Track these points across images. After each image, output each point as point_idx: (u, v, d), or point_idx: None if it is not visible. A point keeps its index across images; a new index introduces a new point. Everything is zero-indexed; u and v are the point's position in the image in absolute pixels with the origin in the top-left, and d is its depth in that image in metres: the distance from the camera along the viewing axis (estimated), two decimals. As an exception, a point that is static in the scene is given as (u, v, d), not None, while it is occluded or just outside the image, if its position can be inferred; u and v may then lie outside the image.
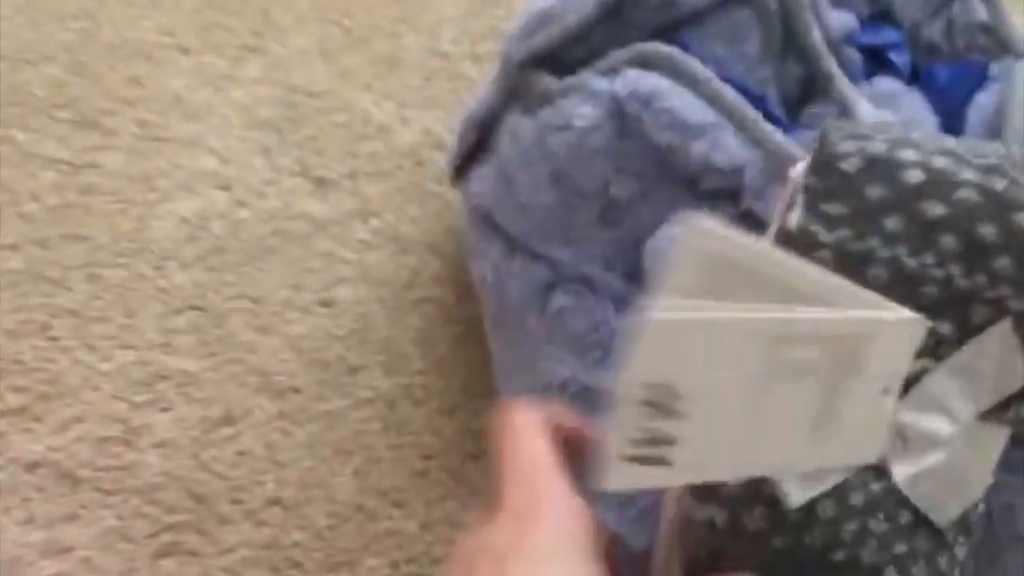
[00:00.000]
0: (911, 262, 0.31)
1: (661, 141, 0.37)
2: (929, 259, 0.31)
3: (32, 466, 0.51)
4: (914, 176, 0.31)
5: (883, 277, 0.31)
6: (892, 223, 0.31)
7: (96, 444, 0.52)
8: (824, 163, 0.31)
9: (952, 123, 0.42)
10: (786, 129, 0.39)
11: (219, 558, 0.49)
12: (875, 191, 0.31)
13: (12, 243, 0.55)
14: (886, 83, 0.42)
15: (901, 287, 0.31)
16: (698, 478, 0.30)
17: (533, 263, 0.43)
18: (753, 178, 0.37)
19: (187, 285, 0.55)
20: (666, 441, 0.28)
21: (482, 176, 0.46)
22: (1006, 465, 0.33)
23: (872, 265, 0.31)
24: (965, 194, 0.31)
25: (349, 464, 0.51)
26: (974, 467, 0.32)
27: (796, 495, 0.31)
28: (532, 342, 0.44)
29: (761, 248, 0.27)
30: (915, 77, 0.44)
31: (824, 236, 0.31)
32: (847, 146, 0.31)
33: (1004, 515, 0.38)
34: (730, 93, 0.37)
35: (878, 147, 0.31)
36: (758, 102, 0.39)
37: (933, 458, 0.32)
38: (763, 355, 0.28)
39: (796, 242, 0.31)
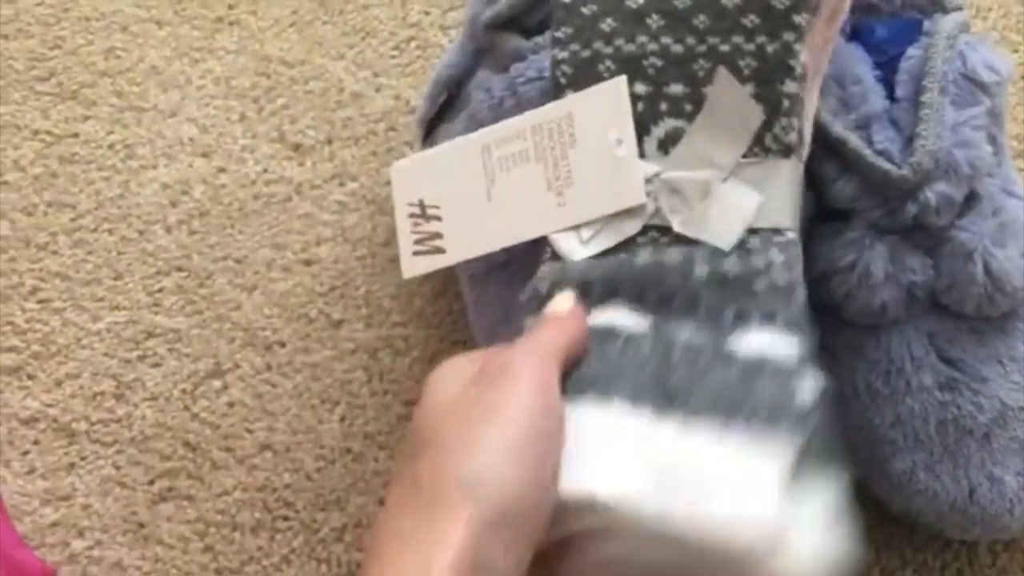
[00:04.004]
0: (629, 47, 0.40)
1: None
2: (643, 39, 0.40)
3: (29, 421, 0.54)
4: None
5: (613, 68, 0.41)
6: (606, 25, 0.41)
7: (90, 399, 0.54)
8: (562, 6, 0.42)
9: (887, 75, 0.46)
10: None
11: (214, 501, 0.52)
12: (589, 7, 0.41)
13: None
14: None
15: (628, 69, 0.40)
16: (466, 255, 0.44)
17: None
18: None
19: (172, 247, 0.57)
20: (435, 236, 0.45)
21: (450, 132, 0.49)
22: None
23: (601, 62, 0.41)
24: None
25: (335, 411, 0.54)
26: (745, 195, 0.39)
27: (577, 252, 0.41)
28: (509, 294, 0.47)
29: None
30: (855, 33, 0.48)
31: (560, 55, 0.41)
32: None
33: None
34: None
35: None
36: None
37: (705, 203, 0.39)
38: (479, 159, 0.43)
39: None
